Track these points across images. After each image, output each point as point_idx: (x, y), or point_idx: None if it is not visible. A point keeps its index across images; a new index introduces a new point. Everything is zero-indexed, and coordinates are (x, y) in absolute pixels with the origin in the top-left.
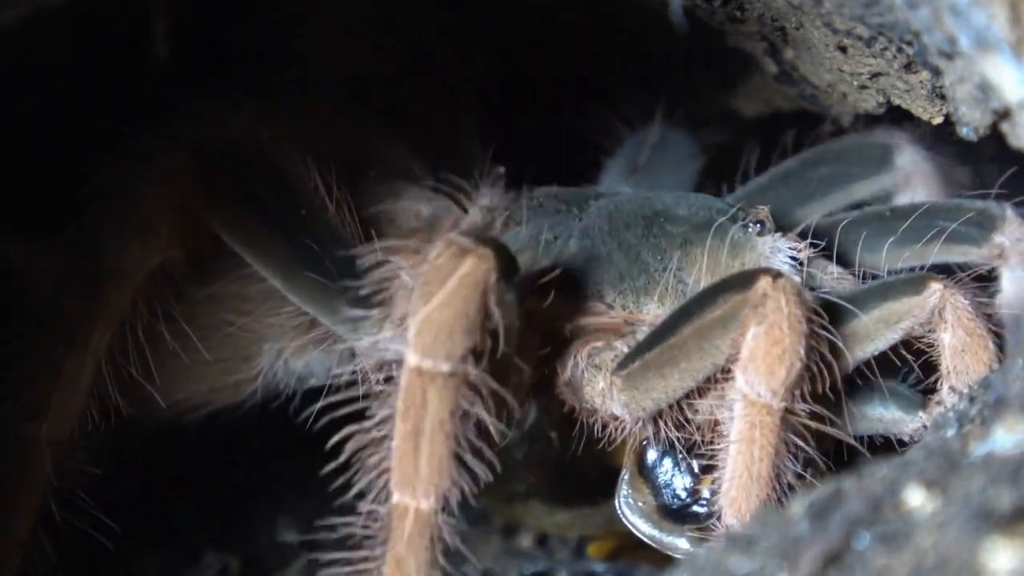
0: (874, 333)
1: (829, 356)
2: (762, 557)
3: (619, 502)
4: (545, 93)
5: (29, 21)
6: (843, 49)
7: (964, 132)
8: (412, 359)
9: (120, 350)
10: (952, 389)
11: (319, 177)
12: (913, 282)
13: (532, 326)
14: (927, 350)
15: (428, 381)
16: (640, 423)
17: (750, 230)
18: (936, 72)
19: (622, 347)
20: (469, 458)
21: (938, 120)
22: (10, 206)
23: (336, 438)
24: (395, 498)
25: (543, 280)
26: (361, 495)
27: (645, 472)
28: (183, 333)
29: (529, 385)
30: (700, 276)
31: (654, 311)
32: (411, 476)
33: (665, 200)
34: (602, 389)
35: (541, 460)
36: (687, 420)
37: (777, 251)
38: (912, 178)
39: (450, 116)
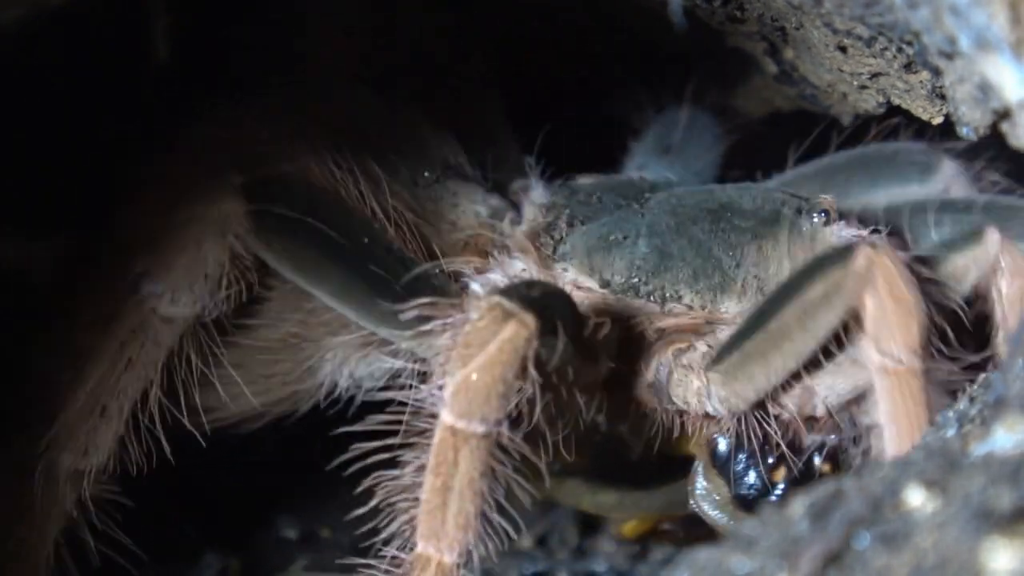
0: (950, 290)
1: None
2: (762, 557)
3: (694, 494)
4: (545, 93)
5: (29, 21)
6: (843, 49)
7: (964, 132)
8: (447, 418)
9: (167, 386)
10: (1008, 338)
11: (374, 199)
12: (972, 235)
13: (595, 351)
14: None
15: (461, 441)
16: (737, 418)
17: (816, 220)
18: (936, 72)
19: (704, 346)
20: (495, 517)
21: (938, 120)
22: (10, 206)
23: (367, 483)
24: (419, 547)
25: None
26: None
27: (718, 464)
28: (241, 357)
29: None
30: (776, 270)
31: (732, 309)
32: (437, 529)
33: (728, 193)
34: (698, 388)
35: (582, 441)
36: (777, 415)
37: (843, 239)
38: (952, 187)
39: (473, 114)
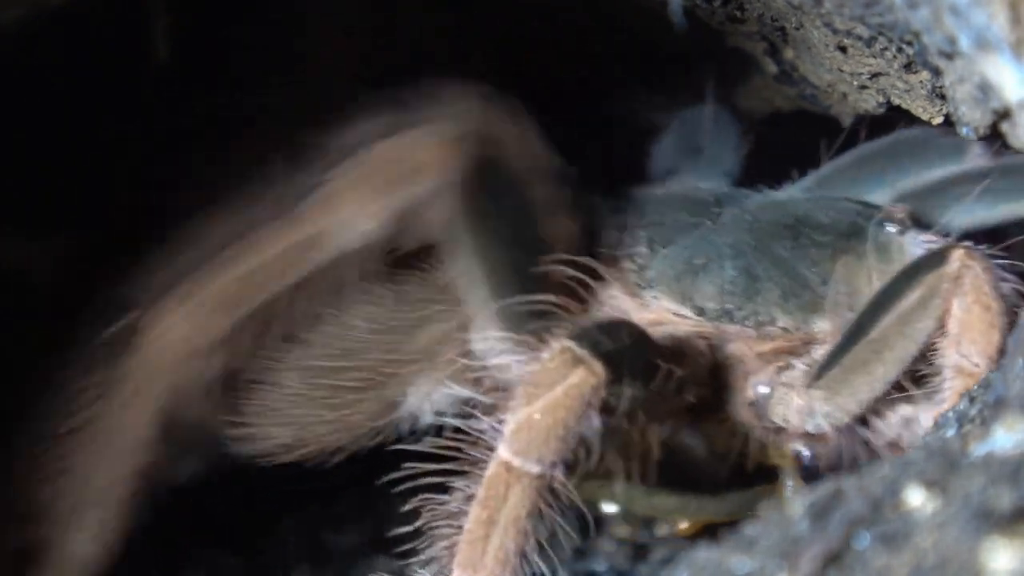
0: None
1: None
2: (762, 557)
3: (786, 504)
4: (545, 93)
5: (29, 21)
6: (843, 49)
7: (964, 132)
8: (504, 453)
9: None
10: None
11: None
12: None
13: (678, 385)
14: None
15: (514, 478)
16: (841, 432)
17: (892, 230)
18: (936, 72)
19: (803, 365)
20: (535, 557)
21: (938, 120)
22: (10, 206)
23: (412, 504)
24: (455, 575)
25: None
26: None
27: (805, 474)
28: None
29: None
30: (860, 284)
31: (824, 327)
32: (476, 561)
33: (800, 205)
34: (799, 406)
35: (628, 446)
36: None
37: (919, 246)
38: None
39: None
